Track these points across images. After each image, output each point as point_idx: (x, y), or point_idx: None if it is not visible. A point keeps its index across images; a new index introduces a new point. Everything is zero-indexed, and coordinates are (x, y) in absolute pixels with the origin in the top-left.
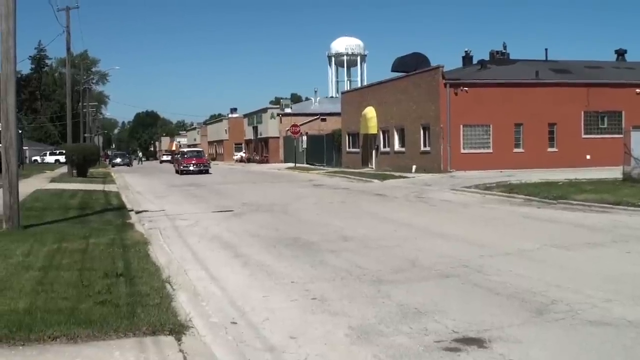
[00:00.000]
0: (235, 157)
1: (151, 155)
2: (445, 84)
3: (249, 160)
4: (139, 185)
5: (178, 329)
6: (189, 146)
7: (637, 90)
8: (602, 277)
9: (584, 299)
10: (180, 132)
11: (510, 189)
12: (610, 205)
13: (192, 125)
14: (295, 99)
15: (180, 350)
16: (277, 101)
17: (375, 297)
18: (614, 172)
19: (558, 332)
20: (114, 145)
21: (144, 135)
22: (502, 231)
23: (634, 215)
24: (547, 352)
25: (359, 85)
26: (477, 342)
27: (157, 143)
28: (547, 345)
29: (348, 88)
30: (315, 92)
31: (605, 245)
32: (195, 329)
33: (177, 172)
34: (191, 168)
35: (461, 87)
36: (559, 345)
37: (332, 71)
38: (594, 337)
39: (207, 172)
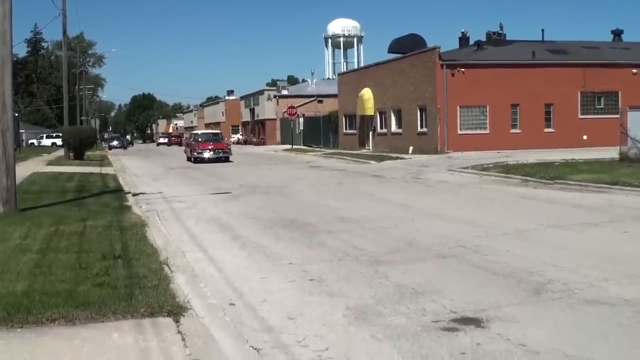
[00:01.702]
0: (231, 139)
1: (148, 138)
2: (441, 65)
3: (245, 142)
4: (136, 168)
5: (176, 311)
6: (186, 129)
7: (634, 70)
8: (598, 257)
9: (581, 278)
10: (177, 114)
11: (507, 169)
12: (607, 186)
13: (189, 107)
14: (292, 80)
15: (179, 332)
16: (273, 83)
17: (372, 277)
18: (611, 153)
19: (555, 312)
20: (110, 128)
21: (140, 118)
22: (499, 211)
23: (630, 195)
24: (544, 331)
25: (356, 66)
26: (475, 321)
27: (153, 125)
28: (544, 325)
29: (345, 70)
30: (312, 73)
31: (602, 225)
32: (193, 311)
33: (188, 159)
34: (207, 155)
35: (458, 68)
36: (555, 325)
37: (328, 53)
38: (591, 316)
39: (227, 159)
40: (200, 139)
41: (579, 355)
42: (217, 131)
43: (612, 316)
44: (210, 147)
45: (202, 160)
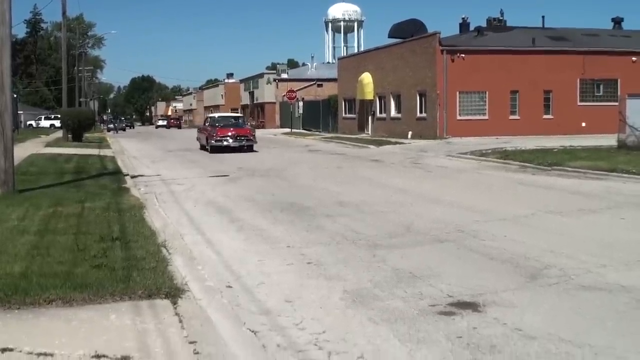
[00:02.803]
0: None
1: (147, 120)
2: (441, 51)
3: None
4: (135, 150)
5: (174, 293)
6: (185, 112)
7: (633, 58)
8: (596, 243)
9: (578, 264)
10: (176, 97)
11: (505, 155)
12: (605, 173)
13: (188, 90)
14: (292, 64)
15: (176, 314)
16: (273, 67)
17: (370, 261)
18: (609, 140)
19: (552, 297)
20: (109, 110)
21: (139, 100)
22: (497, 197)
23: (628, 182)
24: (541, 316)
25: (356, 51)
26: (472, 306)
27: (152, 108)
28: (541, 310)
29: (345, 54)
30: (312, 57)
31: (600, 212)
32: (190, 293)
33: (203, 147)
34: (228, 143)
35: (458, 54)
36: (552, 310)
37: (329, 37)
38: (588, 301)
39: (251, 148)
40: (218, 124)
41: (576, 341)
42: (238, 114)
43: (609, 302)
44: (230, 134)
45: (221, 149)
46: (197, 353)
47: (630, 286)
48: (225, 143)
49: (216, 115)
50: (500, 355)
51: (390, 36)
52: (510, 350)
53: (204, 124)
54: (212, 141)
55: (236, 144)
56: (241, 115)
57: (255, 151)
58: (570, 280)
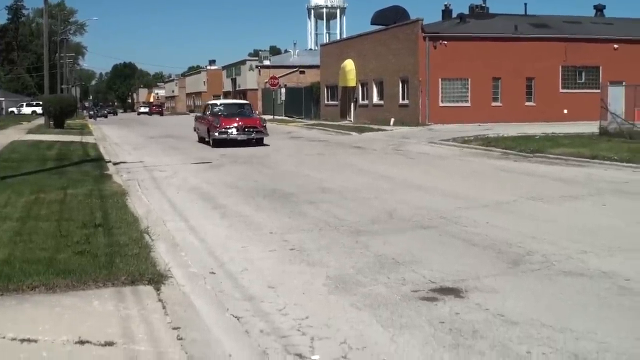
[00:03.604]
0: None
1: (129, 107)
2: (424, 38)
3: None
4: (117, 137)
5: (157, 279)
6: (167, 98)
7: (615, 45)
8: (577, 229)
9: (560, 250)
10: (158, 83)
11: (487, 142)
12: (587, 159)
13: (170, 77)
14: (274, 51)
15: (159, 300)
16: (255, 53)
17: (353, 247)
18: (591, 127)
19: (534, 283)
20: (90, 97)
21: (121, 87)
22: (479, 184)
23: (609, 169)
24: (523, 302)
25: (338, 38)
26: (454, 291)
27: (134, 95)
28: (523, 296)
29: (327, 41)
30: (294, 44)
31: (581, 198)
32: (174, 279)
33: (202, 140)
34: (234, 135)
35: (440, 41)
36: (534, 296)
37: (311, 24)
38: (569, 287)
39: (261, 142)
40: (221, 113)
41: (557, 326)
42: (243, 101)
43: (590, 288)
44: (236, 125)
45: (226, 143)
46: (181, 339)
47: (611, 272)
48: (231, 136)
49: (218, 102)
50: (482, 340)
51: (372, 23)
52: (493, 336)
53: (204, 113)
54: (215, 133)
55: (244, 137)
56: (247, 102)
57: (266, 145)
58: (552, 266)
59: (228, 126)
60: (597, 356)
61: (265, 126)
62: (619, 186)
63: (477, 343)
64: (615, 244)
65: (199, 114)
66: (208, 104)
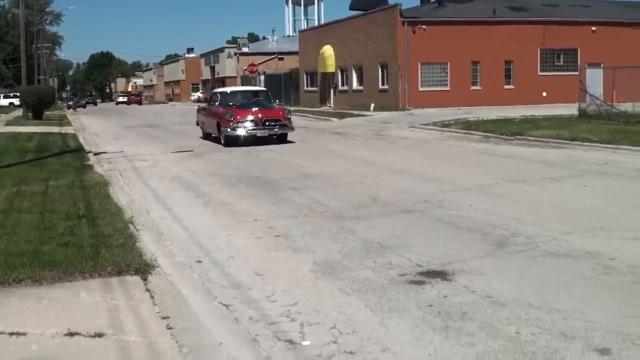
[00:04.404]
0: (192, 97)
1: (107, 97)
2: (403, 22)
3: (206, 100)
4: (96, 127)
5: (144, 269)
6: (146, 87)
7: (593, 28)
8: (560, 211)
9: (544, 231)
10: (136, 72)
11: (468, 125)
12: (567, 141)
13: (148, 65)
14: (253, 38)
15: (147, 290)
16: (234, 40)
17: (338, 233)
18: (570, 109)
19: (519, 264)
20: (68, 87)
21: (99, 77)
22: (461, 167)
23: (589, 150)
24: (509, 283)
25: (316, 24)
26: (441, 274)
27: (112, 84)
28: (509, 277)
29: (305, 27)
30: (273, 31)
31: (563, 180)
32: (160, 269)
33: (207, 137)
34: (251, 131)
35: (419, 25)
36: (520, 277)
37: (289, 10)
38: (554, 268)
39: (284, 138)
40: (233, 102)
41: (544, 306)
42: (259, 87)
43: (575, 268)
44: (254, 117)
45: (239, 141)
46: (171, 328)
47: (595, 252)
48: (248, 131)
49: (228, 89)
50: (471, 322)
51: (351, 8)
52: (481, 317)
53: (209, 103)
54: (228, 129)
55: (264, 133)
56: (264, 89)
57: (291, 142)
58: (536, 247)
59: (244, 119)
60: (585, 335)
61: (290, 118)
62: (600, 167)
63: (466, 325)
64: (598, 224)
65: (203, 105)
66: (216, 93)
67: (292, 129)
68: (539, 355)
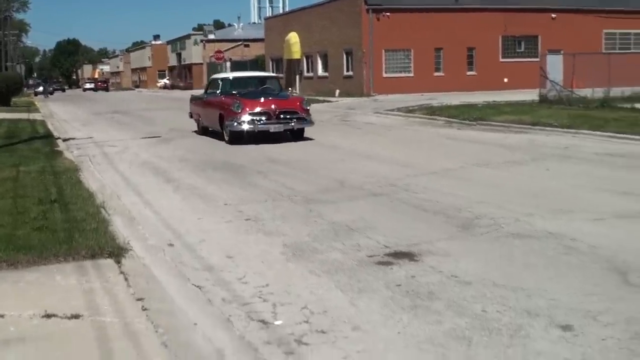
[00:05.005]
0: (159, 84)
1: (73, 84)
2: (367, 10)
3: (172, 87)
4: (64, 114)
5: (117, 252)
6: (112, 74)
7: (553, 15)
8: (523, 193)
9: (507, 213)
10: (103, 59)
11: (431, 111)
12: (529, 126)
13: (115, 52)
14: (218, 25)
15: (121, 272)
16: (200, 28)
17: (307, 216)
18: (531, 95)
19: (484, 245)
20: (35, 74)
21: (65, 64)
22: (426, 152)
23: (551, 135)
24: (475, 263)
25: (281, 11)
26: (408, 255)
27: (79, 71)
28: (475, 257)
29: (271, 14)
30: (239, 18)
31: (525, 164)
32: (133, 252)
33: (205, 131)
34: (265, 127)
35: (383, 13)
36: (485, 257)
37: None
38: (518, 248)
39: (301, 134)
40: (237, 91)
41: (508, 285)
42: (267, 73)
43: (538, 248)
44: (266, 109)
45: (242, 137)
46: (146, 309)
47: (557, 233)
48: (259, 126)
49: (230, 75)
50: (439, 301)
51: None
52: (448, 296)
53: (206, 91)
54: (234, 123)
55: (279, 128)
56: (274, 74)
57: (309, 139)
58: (500, 228)
59: (254, 111)
60: (548, 312)
61: (308, 110)
62: (561, 151)
63: (434, 304)
64: (560, 206)
65: (197, 95)
66: (215, 79)
67: (312, 122)
68: (504, 332)
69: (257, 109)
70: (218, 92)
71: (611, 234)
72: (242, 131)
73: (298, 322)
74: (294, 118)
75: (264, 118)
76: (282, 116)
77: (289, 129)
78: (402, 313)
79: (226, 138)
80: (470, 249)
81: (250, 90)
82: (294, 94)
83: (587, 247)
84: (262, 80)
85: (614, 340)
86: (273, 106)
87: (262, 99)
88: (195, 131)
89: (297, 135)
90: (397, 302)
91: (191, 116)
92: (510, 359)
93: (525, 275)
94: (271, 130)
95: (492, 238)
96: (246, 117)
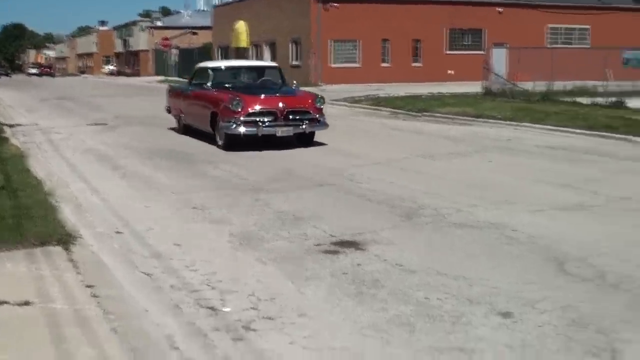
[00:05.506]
0: (105, 70)
1: (17, 68)
2: (316, 0)
3: (119, 74)
4: (8, 99)
5: (66, 239)
6: (58, 60)
7: (499, 9)
8: (466, 184)
9: (450, 204)
10: (48, 44)
11: (377, 102)
12: (472, 118)
13: (60, 37)
14: (165, 12)
15: (71, 259)
16: (146, 14)
17: (254, 205)
18: (475, 87)
19: (427, 234)
20: None
21: (10, 48)
22: (371, 142)
23: (494, 127)
24: (418, 252)
25: None
26: (354, 244)
27: (23, 56)
28: (418, 247)
29: (219, 2)
30: (186, 5)
31: (469, 155)
32: (82, 239)
33: (188, 129)
34: (270, 130)
35: (331, 3)
36: (429, 246)
37: None
38: (461, 238)
39: (312, 139)
40: (232, 85)
41: (451, 273)
42: (266, 62)
43: (480, 238)
44: (272, 108)
45: (241, 141)
46: (96, 296)
47: (499, 223)
48: (263, 129)
49: (222, 64)
50: (384, 289)
51: None
52: (393, 284)
53: (191, 82)
54: (232, 124)
55: (289, 132)
56: (274, 64)
57: (322, 144)
58: (443, 219)
59: (257, 110)
60: (489, 300)
61: (322, 110)
62: (503, 143)
63: (379, 292)
64: (502, 197)
65: (177, 86)
66: (204, 68)
67: (326, 125)
68: (446, 319)
69: (261, 108)
70: (209, 84)
71: (550, 225)
72: (240, 134)
73: (246, 309)
74: (306, 120)
75: (270, 119)
76: (291, 117)
77: (300, 132)
78: (348, 300)
79: (219, 142)
80: (414, 238)
81: (249, 83)
82: (300, 88)
83: (526, 238)
84: (261, 70)
85: (551, 326)
86: (281, 104)
87: (268, 96)
88: (174, 128)
89: (307, 141)
90: (343, 289)
91: (169, 111)
92: (452, 345)
93: (467, 265)
94: (278, 135)
95: (435, 228)
96: (247, 118)
